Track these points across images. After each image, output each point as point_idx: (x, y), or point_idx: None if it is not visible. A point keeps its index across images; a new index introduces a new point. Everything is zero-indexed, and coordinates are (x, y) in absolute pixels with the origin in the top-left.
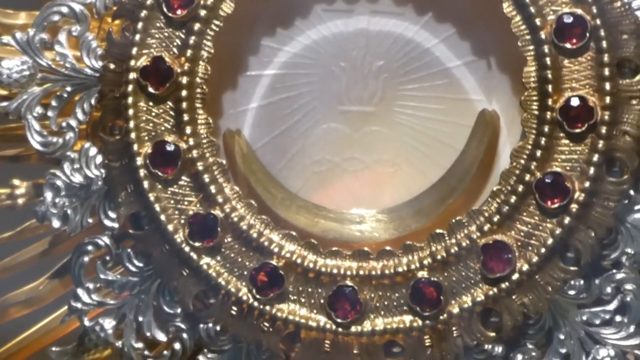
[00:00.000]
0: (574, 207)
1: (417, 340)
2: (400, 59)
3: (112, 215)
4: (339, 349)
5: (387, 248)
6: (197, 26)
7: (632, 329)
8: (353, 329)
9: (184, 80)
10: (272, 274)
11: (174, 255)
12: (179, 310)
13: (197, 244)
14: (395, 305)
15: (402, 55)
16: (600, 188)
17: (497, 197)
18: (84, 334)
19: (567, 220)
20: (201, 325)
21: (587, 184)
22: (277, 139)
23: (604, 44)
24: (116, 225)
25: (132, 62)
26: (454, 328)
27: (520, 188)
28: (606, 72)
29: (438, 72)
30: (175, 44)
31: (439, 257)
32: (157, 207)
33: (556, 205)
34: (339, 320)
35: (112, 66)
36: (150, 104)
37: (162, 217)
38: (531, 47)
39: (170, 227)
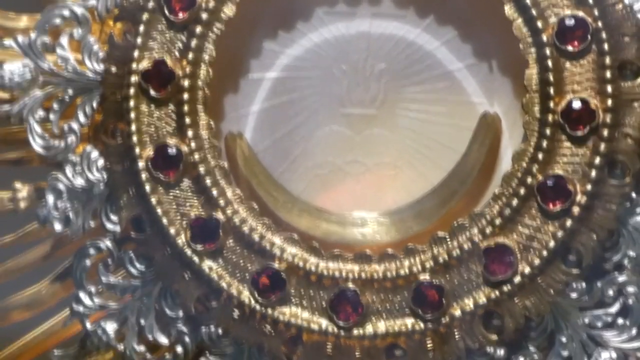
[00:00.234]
0: (575, 209)
1: (419, 343)
2: (402, 62)
3: (114, 218)
4: (341, 352)
5: (389, 251)
6: (198, 29)
7: (634, 331)
8: (355, 332)
9: (186, 83)
10: (274, 277)
11: (175, 259)
12: (180, 313)
13: (198, 247)
14: (397, 308)
15: (403, 58)
16: (602, 191)
17: (498, 200)
18: (86, 337)
19: (569, 222)
20: (203, 328)
21: (589, 187)
22: (279, 142)
23: (606, 46)
24: (118, 228)
25: (134, 65)
26: (455, 331)
27: (522, 191)
28: (608, 74)
29: (440, 75)
30: (177, 46)
31: (440, 260)
32: (158, 210)
33: (558, 208)
34: (340, 323)
35: (113, 69)
36: (152, 107)
37: (164, 220)
38: (533, 50)
39: (172, 230)
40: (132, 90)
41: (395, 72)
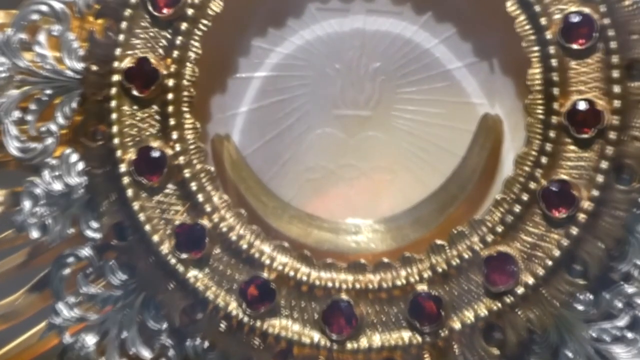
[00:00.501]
0: (581, 216)
1: (416, 357)
2: (398, 61)
3: (94, 225)
4: None
5: (385, 260)
6: (184, 26)
7: None
8: (349, 345)
9: (170, 82)
10: (263, 288)
11: (159, 268)
12: (164, 326)
13: (183, 256)
14: (393, 321)
15: (400, 57)
16: (609, 197)
17: (500, 207)
18: (64, 351)
19: (574, 230)
20: (188, 342)
21: (595, 193)
22: (269, 145)
23: (613, 44)
24: (98, 235)
25: (116, 64)
26: (455, 345)
27: (525, 197)
28: (615, 74)
29: (438, 75)
30: (161, 44)
31: (439, 269)
32: (141, 216)
33: (563, 215)
34: (333, 337)
35: (94, 68)
36: (135, 107)
37: (147, 227)
38: (536, 48)
39: (155, 238)
40: (113, 91)
41: (391, 72)
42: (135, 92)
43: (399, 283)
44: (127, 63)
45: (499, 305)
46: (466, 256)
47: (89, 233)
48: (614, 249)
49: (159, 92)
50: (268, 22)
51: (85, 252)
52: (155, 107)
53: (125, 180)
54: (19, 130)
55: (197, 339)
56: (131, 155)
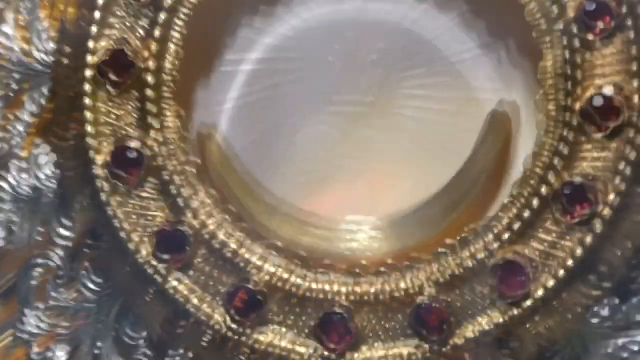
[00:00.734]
0: (598, 222)
1: None
2: (398, 52)
3: (67, 226)
4: None
5: (387, 264)
6: (163, 15)
7: None
8: (348, 357)
9: (149, 76)
10: (252, 296)
11: (137, 274)
12: (143, 337)
13: (164, 261)
14: (398, 330)
15: (400, 48)
16: (629, 200)
17: (509, 211)
18: None
19: (590, 237)
20: (169, 354)
21: (613, 196)
22: (258, 142)
23: (632, 34)
24: (71, 238)
25: (89, 57)
26: (464, 356)
27: (537, 200)
28: (634, 66)
29: (442, 68)
30: (138, 34)
31: (446, 275)
32: (118, 217)
33: (578, 220)
34: (331, 347)
35: (67, 50)
36: (111, 101)
37: (124, 230)
38: (548, 39)
39: (133, 241)
40: (88, 73)
41: (390, 65)
42: (111, 84)
43: (403, 288)
44: (101, 55)
45: (507, 318)
46: (471, 265)
47: (61, 235)
48: (634, 257)
49: (139, 77)
50: (255, 10)
51: (56, 257)
52: (132, 100)
53: (101, 177)
54: None
55: (179, 352)
56: (107, 149)
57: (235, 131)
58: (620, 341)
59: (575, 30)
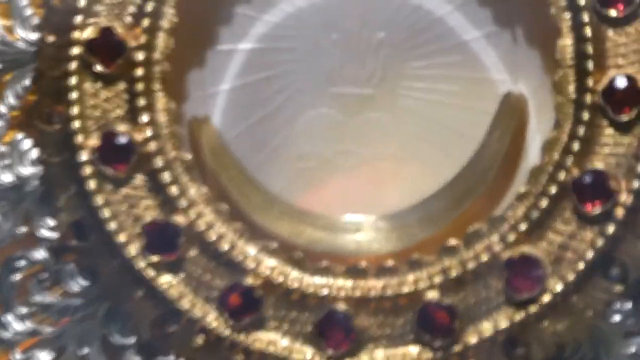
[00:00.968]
0: (619, 211)
1: None
2: (406, 30)
3: (51, 222)
4: None
5: (389, 263)
6: (151, 3)
7: None
8: None
9: (140, 56)
10: (247, 296)
11: (126, 272)
12: (132, 340)
13: (154, 258)
14: (400, 333)
15: (407, 26)
16: None
17: (524, 200)
18: None
19: (611, 228)
20: (160, 358)
21: (635, 184)
22: (255, 128)
23: None
24: (55, 235)
25: (76, 34)
26: None
27: (554, 189)
28: None
29: (452, 47)
30: (129, 11)
31: (452, 274)
32: (105, 212)
33: (598, 210)
34: (329, 352)
35: (51, 38)
36: (99, 85)
37: (112, 225)
38: (567, 15)
39: (122, 238)
40: (73, 65)
41: (397, 43)
42: (99, 67)
43: (405, 290)
44: (89, 33)
45: (523, 315)
46: (484, 259)
47: (44, 232)
48: None
49: (127, 66)
50: None
51: (39, 254)
52: (122, 85)
53: (87, 170)
54: None
55: (170, 356)
56: (94, 140)
57: (228, 119)
58: None
59: (596, 5)
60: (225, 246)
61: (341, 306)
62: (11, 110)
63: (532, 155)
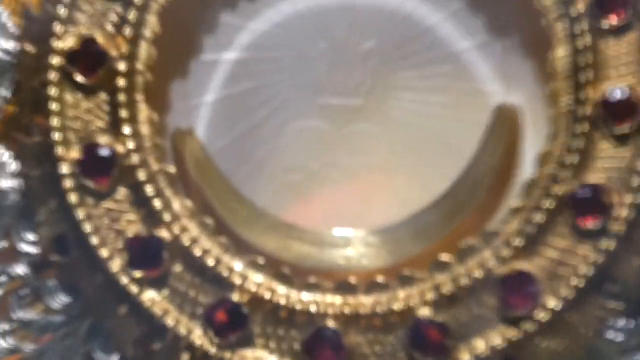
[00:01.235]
0: (616, 227)
1: None
2: (395, 40)
3: (31, 237)
4: None
5: (380, 279)
6: (133, 12)
7: None
8: None
9: (122, 66)
10: (233, 313)
11: (109, 288)
12: (116, 358)
13: (138, 274)
14: (390, 352)
15: (397, 35)
16: None
17: (519, 215)
18: None
19: (607, 243)
20: None
21: (632, 199)
22: (240, 141)
23: None
24: (36, 250)
25: (56, 44)
26: None
27: (549, 203)
28: None
29: (443, 57)
30: (110, 20)
31: (445, 290)
32: (87, 226)
33: (594, 226)
34: None
35: (30, 49)
36: (80, 96)
37: (95, 240)
38: (561, 25)
39: (104, 253)
40: (53, 75)
41: (387, 53)
42: (79, 78)
43: (397, 307)
44: (70, 43)
45: (517, 333)
46: (478, 275)
47: (25, 247)
48: None
49: (109, 77)
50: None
51: (20, 269)
52: (103, 96)
53: (68, 183)
54: None
55: None
56: (75, 153)
57: (213, 131)
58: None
59: (592, 15)
60: (210, 261)
61: (330, 323)
62: None
63: (526, 168)
